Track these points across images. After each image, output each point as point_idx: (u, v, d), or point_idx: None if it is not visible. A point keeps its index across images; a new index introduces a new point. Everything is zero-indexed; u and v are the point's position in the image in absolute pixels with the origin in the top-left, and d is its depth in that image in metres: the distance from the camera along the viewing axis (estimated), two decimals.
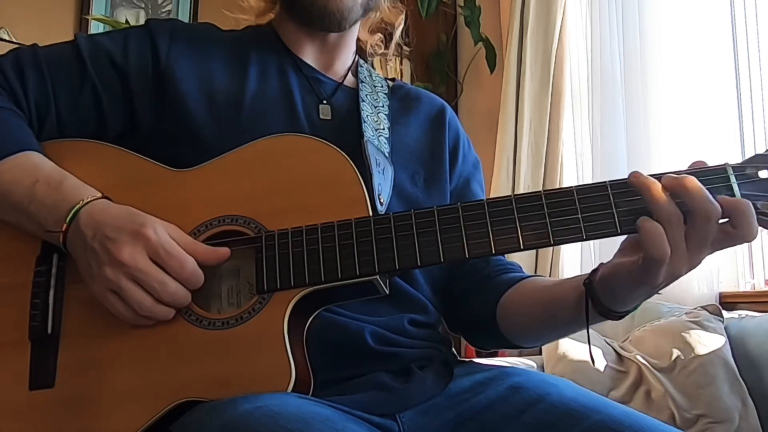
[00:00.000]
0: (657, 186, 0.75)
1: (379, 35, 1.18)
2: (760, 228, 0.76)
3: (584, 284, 0.84)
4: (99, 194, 0.87)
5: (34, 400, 0.83)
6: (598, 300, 0.83)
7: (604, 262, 0.83)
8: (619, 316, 0.84)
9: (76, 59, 0.98)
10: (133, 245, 0.80)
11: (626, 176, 0.78)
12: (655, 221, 0.75)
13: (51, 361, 0.84)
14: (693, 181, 0.74)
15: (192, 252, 0.83)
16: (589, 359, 1.92)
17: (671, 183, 0.75)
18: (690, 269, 0.76)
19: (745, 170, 0.78)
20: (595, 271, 0.84)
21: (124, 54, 0.99)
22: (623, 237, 0.81)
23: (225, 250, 0.85)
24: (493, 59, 2.80)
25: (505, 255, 1.01)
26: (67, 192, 0.86)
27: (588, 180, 2.45)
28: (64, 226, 0.84)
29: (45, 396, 0.83)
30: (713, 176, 0.77)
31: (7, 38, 2.78)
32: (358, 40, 1.15)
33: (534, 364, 2.02)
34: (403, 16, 1.19)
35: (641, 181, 0.76)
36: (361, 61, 1.16)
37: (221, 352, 0.81)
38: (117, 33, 1.03)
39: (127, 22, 3.02)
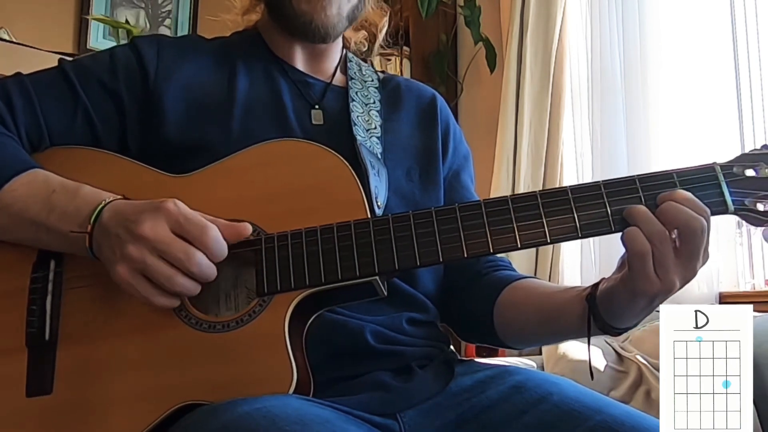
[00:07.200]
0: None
1: (363, 33, 1.17)
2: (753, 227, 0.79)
3: (586, 299, 0.86)
4: (119, 195, 0.86)
5: (32, 406, 0.82)
6: (599, 315, 0.84)
7: (606, 277, 0.85)
8: (618, 332, 0.86)
9: (66, 84, 0.97)
10: (153, 219, 0.79)
11: (620, 175, 0.81)
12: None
13: (48, 367, 0.83)
14: (671, 204, 0.77)
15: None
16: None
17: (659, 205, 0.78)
18: (685, 281, 0.79)
19: (732, 169, 0.80)
20: (596, 285, 0.85)
21: (112, 73, 0.98)
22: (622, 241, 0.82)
23: (245, 225, 0.83)
24: (493, 59, 2.79)
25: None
26: (87, 196, 0.85)
27: (588, 180, 2.45)
28: (89, 227, 0.82)
29: (42, 403, 0.82)
30: (702, 175, 0.80)
31: (7, 38, 2.77)
32: (343, 37, 1.14)
33: (534, 364, 2.02)
34: (387, 18, 1.18)
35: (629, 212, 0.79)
36: (350, 56, 1.15)
37: (222, 354, 0.80)
38: (101, 54, 1.02)
39: (127, 22, 3.02)
